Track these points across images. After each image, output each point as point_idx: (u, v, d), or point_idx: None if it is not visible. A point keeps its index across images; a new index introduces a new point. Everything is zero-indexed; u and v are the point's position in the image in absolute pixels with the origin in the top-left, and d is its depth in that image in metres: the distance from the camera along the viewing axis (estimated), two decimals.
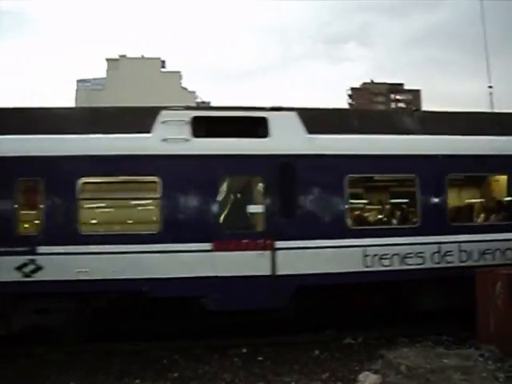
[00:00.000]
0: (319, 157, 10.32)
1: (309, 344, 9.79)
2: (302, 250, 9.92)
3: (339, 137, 10.93)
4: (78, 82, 72.76)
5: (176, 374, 8.48)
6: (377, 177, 11.36)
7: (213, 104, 60.24)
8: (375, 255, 10.13)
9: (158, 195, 9.84)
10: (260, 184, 10.27)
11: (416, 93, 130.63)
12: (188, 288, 9.63)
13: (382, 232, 10.63)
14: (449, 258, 10.41)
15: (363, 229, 10.75)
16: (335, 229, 10.26)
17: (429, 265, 10.30)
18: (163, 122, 10.19)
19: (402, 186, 11.63)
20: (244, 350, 9.61)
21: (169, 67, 70.19)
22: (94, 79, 72.52)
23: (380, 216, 12.02)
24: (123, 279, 9.47)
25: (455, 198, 11.67)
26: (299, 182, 10.23)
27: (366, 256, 10.09)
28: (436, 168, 10.67)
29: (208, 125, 10.23)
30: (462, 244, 10.44)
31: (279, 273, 9.85)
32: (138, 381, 8.19)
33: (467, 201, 12.24)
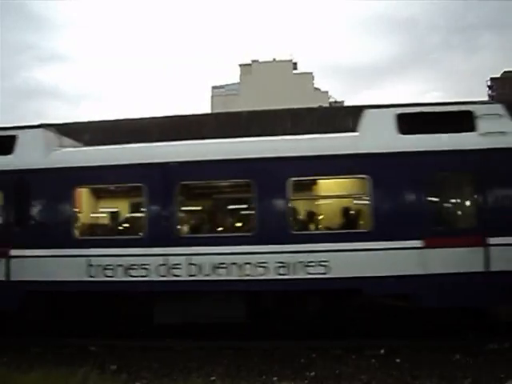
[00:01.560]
0: (53, 170, 10.74)
1: (449, 348, 9.46)
2: (34, 258, 10.38)
3: (74, 150, 11.55)
4: (213, 88, 75.36)
5: (313, 374, 8.57)
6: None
7: (347, 103, 59.64)
8: (99, 265, 10.20)
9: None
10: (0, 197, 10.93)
11: None
12: None
13: (107, 242, 10.70)
14: (176, 272, 10.03)
15: (88, 239, 10.84)
16: (63, 239, 10.51)
17: (155, 277, 10.12)
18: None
19: (131, 197, 11.76)
20: (381, 351, 9.49)
21: (300, 68, 70.58)
22: (228, 85, 74.74)
23: (108, 226, 12.12)
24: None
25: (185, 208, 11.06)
26: (33, 195, 10.77)
27: (90, 266, 10.21)
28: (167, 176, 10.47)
29: None
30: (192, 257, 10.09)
31: (12, 279, 10.45)
32: (275, 378, 8.39)
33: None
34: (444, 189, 10.49)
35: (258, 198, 10.12)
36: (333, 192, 10.93)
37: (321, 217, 11.18)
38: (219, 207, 11.94)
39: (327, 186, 10.96)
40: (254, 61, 70.18)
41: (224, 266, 9.96)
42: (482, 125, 10.05)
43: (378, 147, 10.02)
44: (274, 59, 69.53)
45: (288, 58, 69.59)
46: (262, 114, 15.81)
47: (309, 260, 9.82)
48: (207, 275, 10.02)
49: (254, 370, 8.87)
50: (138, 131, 14.55)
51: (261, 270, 9.90)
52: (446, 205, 10.64)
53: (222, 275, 9.97)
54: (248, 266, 9.92)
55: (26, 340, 10.59)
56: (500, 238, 9.55)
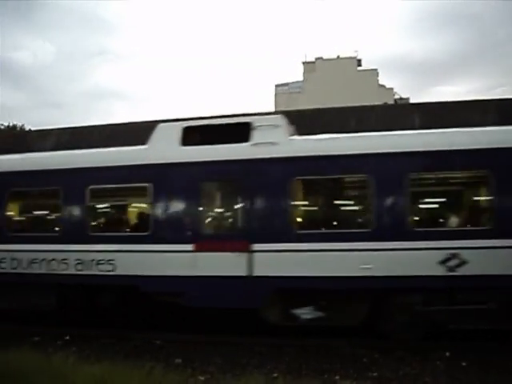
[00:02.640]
0: None
1: None
2: None
3: None
4: (277, 86, 75.42)
5: (375, 374, 8.45)
6: None
7: (412, 101, 58.29)
8: None
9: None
10: None
11: None
12: None
13: None
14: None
15: None
16: None
17: None
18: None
19: None
20: (447, 354, 9.18)
21: (365, 65, 69.59)
22: (292, 83, 74.55)
23: None
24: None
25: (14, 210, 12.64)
26: None
27: None
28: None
29: None
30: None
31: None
32: (337, 377, 8.29)
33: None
34: (214, 197, 11.52)
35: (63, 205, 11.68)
36: (125, 199, 12.32)
37: (112, 221, 12.31)
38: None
39: (122, 193, 12.06)
40: (317, 58, 69.77)
41: (36, 261, 11.48)
42: (256, 136, 10.59)
43: (161, 158, 10.96)
44: (338, 56, 68.91)
45: (352, 55, 68.85)
46: (325, 111, 15.72)
47: (99, 258, 11.05)
48: (24, 269, 11.56)
49: (315, 368, 8.82)
50: None
51: (64, 265, 11.28)
52: (215, 211, 11.43)
53: (35, 269, 11.46)
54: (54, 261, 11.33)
55: (95, 331, 11.00)
56: (263, 245, 10.12)
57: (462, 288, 9.55)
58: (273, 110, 52.02)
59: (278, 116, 11.09)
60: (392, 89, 69.03)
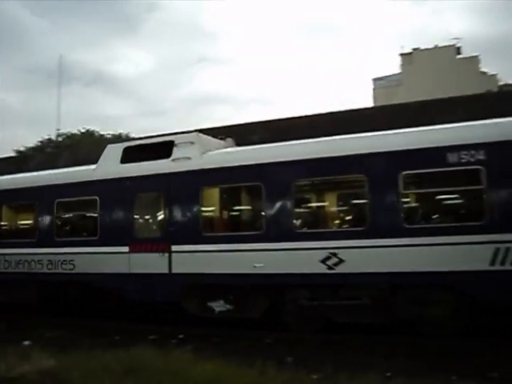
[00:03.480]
0: None
1: None
2: None
3: None
4: (374, 80, 73.87)
5: (496, 374, 8.03)
6: None
7: None
8: None
9: None
10: None
11: None
12: None
13: None
14: None
15: None
16: None
17: None
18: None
19: None
20: None
21: (465, 52, 66.58)
22: (389, 76, 72.72)
23: None
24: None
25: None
26: None
27: None
28: None
29: None
30: None
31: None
32: (454, 377, 7.93)
33: None
34: (144, 206, 13.00)
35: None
36: (81, 210, 14.55)
37: (75, 227, 14.72)
38: None
39: (79, 205, 14.36)
40: (414, 49, 67.67)
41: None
42: (176, 152, 12.20)
43: (105, 175, 13.06)
44: (436, 45, 66.47)
45: (450, 43, 66.15)
46: (429, 103, 15.24)
47: (63, 259, 13.42)
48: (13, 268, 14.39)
49: (430, 367, 8.55)
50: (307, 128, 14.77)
51: (39, 265, 13.89)
52: (144, 218, 13.25)
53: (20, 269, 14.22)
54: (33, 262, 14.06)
55: (207, 329, 11.34)
56: (180, 246, 11.84)
57: (341, 285, 10.51)
58: (371, 105, 51.09)
59: (194, 134, 12.70)
60: (496, 75, 65.52)
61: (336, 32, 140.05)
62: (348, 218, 11.64)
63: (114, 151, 13.38)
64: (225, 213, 12.70)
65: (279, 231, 11.05)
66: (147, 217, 13.35)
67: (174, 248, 11.95)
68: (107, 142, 27.03)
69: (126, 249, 12.45)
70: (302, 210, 11.65)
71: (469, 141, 9.74)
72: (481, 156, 9.61)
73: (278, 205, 11.08)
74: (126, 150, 13.17)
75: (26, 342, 10.87)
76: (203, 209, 12.04)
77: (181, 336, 10.90)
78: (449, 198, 10.75)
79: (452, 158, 9.75)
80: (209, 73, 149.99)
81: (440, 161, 9.86)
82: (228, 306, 11.67)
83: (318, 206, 12.32)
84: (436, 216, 10.74)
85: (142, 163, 12.61)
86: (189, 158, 11.99)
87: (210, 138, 12.96)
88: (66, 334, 11.73)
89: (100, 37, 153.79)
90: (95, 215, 13.46)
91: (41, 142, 41.88)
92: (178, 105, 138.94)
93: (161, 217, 12.65)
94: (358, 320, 10.56)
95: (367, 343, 10.00)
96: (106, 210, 13.12)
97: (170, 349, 9.20)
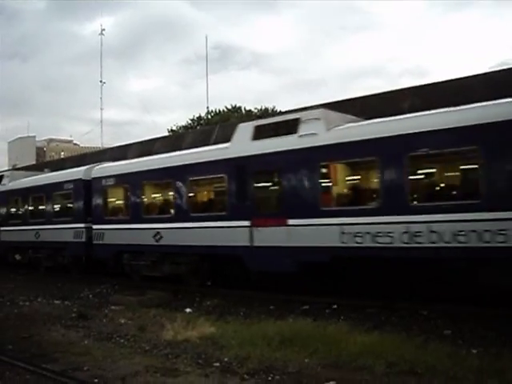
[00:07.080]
0: None
1: None
2: None
3: None
4: None
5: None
6: None
7: None
8: None
9: None
10: None
11: None
12: None
13: None
14: None
15: None
16: None
17: None
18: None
19: None
20: None
21: None
22: None
23: None
24: None
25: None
26: None
27: None
28: None
29: None
30: None
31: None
32: None
33: None
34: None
35: None
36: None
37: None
38: None
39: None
40: None
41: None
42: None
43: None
44: None
45: None
46: None
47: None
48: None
49: None
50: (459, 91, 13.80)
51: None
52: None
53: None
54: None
55: (361, 300, 11.18)
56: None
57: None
58: None
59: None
60: None
61: None
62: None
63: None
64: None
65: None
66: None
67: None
68: (254, 117, 27.56)
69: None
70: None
71: None
72: None
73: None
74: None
75: (188, 310, 11.62)
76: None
77: (334, 306, 10.94)
78: None
79: None
80: (359, 45, 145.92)
81: None
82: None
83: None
84: None
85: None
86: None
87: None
88: (222, 303, 12.31)
89: (244, 14, 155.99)
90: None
91: (192, 120, 44.11)
92: (331, 78, 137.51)
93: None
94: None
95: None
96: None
97: (326, 319, 9.29)
